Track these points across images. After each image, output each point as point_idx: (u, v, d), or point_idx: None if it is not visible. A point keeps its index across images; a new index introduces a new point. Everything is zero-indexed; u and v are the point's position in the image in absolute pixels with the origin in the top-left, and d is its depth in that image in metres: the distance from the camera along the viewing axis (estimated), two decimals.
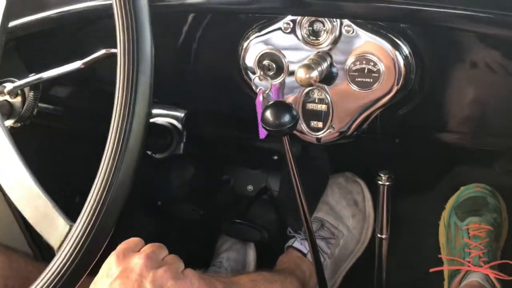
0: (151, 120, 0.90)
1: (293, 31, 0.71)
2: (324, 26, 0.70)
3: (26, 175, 0.52)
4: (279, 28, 0.72)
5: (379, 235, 0.93)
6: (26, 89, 0.61)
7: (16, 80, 0.61)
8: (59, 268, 0.48)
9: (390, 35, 0.68)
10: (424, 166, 0.99)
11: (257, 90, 0.77)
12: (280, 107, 0.64)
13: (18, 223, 0.89)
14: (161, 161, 0.91)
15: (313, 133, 0.79)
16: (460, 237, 1.02)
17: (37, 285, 0.49)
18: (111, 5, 0.49)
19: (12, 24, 0.66)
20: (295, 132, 0.81)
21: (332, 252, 1.07)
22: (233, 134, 1.03)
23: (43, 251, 0.91)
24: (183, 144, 0.89)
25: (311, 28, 0.71)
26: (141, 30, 0.48)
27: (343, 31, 0.69)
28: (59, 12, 0.65)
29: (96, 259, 0.50)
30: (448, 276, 1.02)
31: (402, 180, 0.89)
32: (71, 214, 0.52)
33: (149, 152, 0.87)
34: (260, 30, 0.74)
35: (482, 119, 0.78)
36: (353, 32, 0.68)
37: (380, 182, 0.88)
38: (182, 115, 0.89)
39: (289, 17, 0.71)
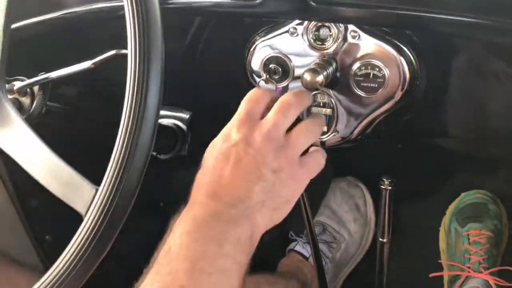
0: None
1: (299, 35, 0.72)
2: (330, 31, 0.70)
3: (45, 150, 0.53)
4: (286, 32, 0.73)
5: (380, 239, 0.94)
6: (35, 88, 0.62)
7: (25, 78, 0.62)
8: (88, 232, 0.48)
9: (395, 41, 0.69)
10: (426, 172, 0.99)
11: None
12: None
13: (22, 223, 0.90)
14: (164, 162, 0.91)
15: None
16: (460, 243, 1.03)
17: (69, 249, 0.49)
18: (122, 6, 0.50)
19: (22, 23, 0.67)
20: None
21: (333, 256, 1.08)
22: None
23: (45, 247, 0.91)
24: (188, 145, 0.89)
25: (317, 33, 0.71)
26: (152, 31, 0.48)
27: (349, 36, 0.70)
28: (70, 12, 0.66)
29: (125, 218, 0.50)
30: (448, 282, 1.02)
31: (404, 185, 0.89)
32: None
33: (153, 153, 0.87)
34: (266, 34, 0.75)
35: (484, 126, 0.79)
36: (359, 37, 0.69)
37: (382, 187, 0.89)
38: (187, 116, 0.90)
39: (296, 22, 0.72)
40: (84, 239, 0.48)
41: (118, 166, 0.48)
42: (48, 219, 0.93)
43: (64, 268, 0.48)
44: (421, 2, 0.55)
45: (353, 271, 1.11)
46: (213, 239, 0.48)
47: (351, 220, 1.10)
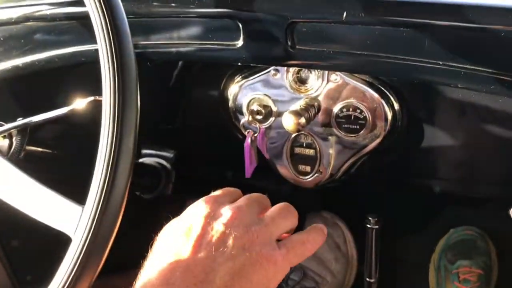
0: (140, 160, 0.90)
1: (281, 77, 0.72)
2: (311, 73, 0.71)
3: (26, 179, 0.52)
4: (268, 73, 0.73)
5: (368, 279, 0.92)
6: (13, 133, 0.62)
7: (3, 123, 0.61)
8: (79, 251, 0.47)
9: (376, 84, 0.69)
10: (413, 210, 0.99)
11: (246, 132, 0.78)
12: None
13: (2, 263, 0.88)
14: (149, 201, 0.90)
15: (301, 177, 0.79)
16: (450, 281, 1.01)
17: (65, 272, 0.48)
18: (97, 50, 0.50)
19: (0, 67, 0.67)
20: (283, 174, 0.81)
21: None
22: (221, 174, 1.03)
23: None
24: (172, 184, 0.89)
25: (298, 75, 0.72)
26: (127, 77, 0.48)
27: (330, 78, 0.70)
28: (48, 56, 0.66)
29: (116, 228, 0.49)
30: None
31: (391, 222, 0.89)
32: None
33: (137, 192, 0.87)
34: (249, 76, 0.75)
35: (469, 166, 0.79)
36: (340, 79, 0.70)
37: (368, 226, 0.88)
38: (171, 155, 0.89)
39: None
40: (75, 258, 0.47)
41: (102, 182, 0.47)
42: (30, 258, 0.92)
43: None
44: (401, 49, 0.55)
45: None
46: None
47: (332, 259, 1.05)
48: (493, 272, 1.04)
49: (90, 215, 0.47)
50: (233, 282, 0.43)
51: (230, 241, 0.44)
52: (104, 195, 0.47)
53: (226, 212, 0.47)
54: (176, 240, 0.46)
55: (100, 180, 0.48)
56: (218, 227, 0.45)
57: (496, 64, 0.50)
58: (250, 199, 0.50)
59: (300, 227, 1.17)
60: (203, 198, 0.49)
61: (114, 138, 0.47)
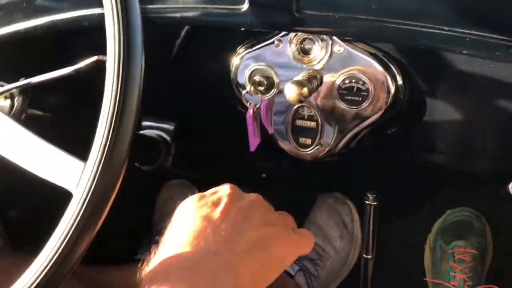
0: (140, 132, 0.89)
1: (284, 47, 0.72)
2: (314, 43, 0.71)
3: (28, 134, 0.52)
4: (271, 44, 0.73)
5: (365, 256, 0.93)
6: (15, 93, 0.61)
7: (5, 83, 0.61)
8: (80, 205, 0.47)
9: (380, 55, 0.69)
10: (411, 188, 0.99)
11: (248, 104, 0.77)
12: None
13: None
14: (148, 174, 0.90)
15: (301, 150, 0.79)
16: (445, 261, 1.02)
17: (65, 226, 0.47)
18: (103, 13, 0.50)
19: (3, 29, 0.67)
20: (283, 147, 0.81)
21: (318, 274, 1.06)
22: (221, 149, 1.03)
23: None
24: (172, 157, 0.88)
25: (302, 45, 0.71)
26: (133, 37, 0.48)
27: (334, 49, 0.70)
28: (50, 20, 0.66)
29: (115, 191, 0.48)
30: None
31: (389, 201, 0.89)
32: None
33: (136, 164, 0.86)
34: (251, 46, 0.75)
35: (469, 141, 0.79)
36: (343, 51, 0.69)
37: (367, 202, 0.89)
38: (172, 127, 0.89)
39: (281, 34, 0.72)
40: (77, 212, 0.47)
41: (105, 137, 0.47)
42: (29, 229, 0.92)
43: (60, 243, 0.47)
44: (406, 15, 0.55)
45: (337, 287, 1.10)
46: None
47: (337, 237, 1.08)
48: (488, 252, 1.05)
49: (92, 170, 0.47)
50: (253, 248, 0.46)
51: (255, 216, 0.48)
52: (106, 151, 0.47)
53: (250, 196, 0.51)
54: (203, 208, 0.49)
55: (103, 136, 0.47)
56: (243, 204, 0.49)
57: (503, 29, 0.50)
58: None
59: (311, 206, 1.18)
60: (227, 184, 0.53)
61: (118, 94, 0.47)
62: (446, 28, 0.52)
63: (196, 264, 0.44)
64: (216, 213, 0.48)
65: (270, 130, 0.79)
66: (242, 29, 0.66)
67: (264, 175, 1.18)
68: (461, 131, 0.77)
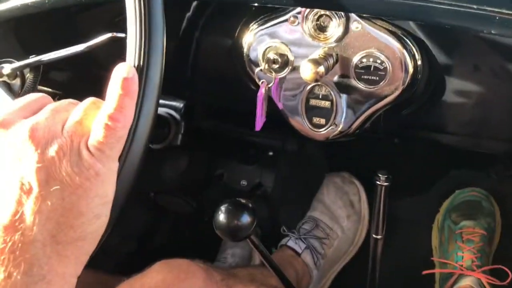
0: None
1: (299, 24, 0.70)
2: (331, 20, 0.68)
3: None
4: (285, 21, 0.71)
5: (374, 236, 0.92)
6: (26, 71, 0.59)
7: (15, 61, 0.59)
8: None
9: (399, 33, 0.67)
10: (421, 168, 0.98)
11: (260, 83, 0.76)
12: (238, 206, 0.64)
13: None
14: (156, 152, 0.89)
15: (315, 130, 0.77)
16: (453, 241, 1.02)
17: None
18: None
19: (12, 4, 0.64)
20: (295, 126, 0.80)
21: (325, 253, 1.06)
22: (229, 128, 1.02)
23: None
24: (181, 135, 0.87)
25: (318, 22, 0.69)
26: (154, 15, 0.46)
27: (351, 27, 0.68)
28: None
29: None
30: (440, 279, 1.02)
31: (399, 181, 0.88)
32: None
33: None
34: (265, 23, 0.73)
35: (482, 122, 0.78)
36: (361, 28, 0.67)
37: (378, 182, 0.87)
38: (181, 105, 0.87)
39: (296, 10, 0.69)
40: None
41: None
42: None
43: None
44: None
45: (344, 267, 1.11)
46: None
47: (345, 217, 1.09)
48: (496, 233, 1.05)
49: None
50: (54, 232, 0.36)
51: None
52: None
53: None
54: None
55: None
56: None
57: None
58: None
59: (318, 186, 1.18)
60: None
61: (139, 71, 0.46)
62: (475, 7, 0.50)
63: None
64: None
65: (280, 106, 0.77)
66: (256, 4, 0.64)
67: (271, 153, 1.17)
68: (473, 113, 0.75)
